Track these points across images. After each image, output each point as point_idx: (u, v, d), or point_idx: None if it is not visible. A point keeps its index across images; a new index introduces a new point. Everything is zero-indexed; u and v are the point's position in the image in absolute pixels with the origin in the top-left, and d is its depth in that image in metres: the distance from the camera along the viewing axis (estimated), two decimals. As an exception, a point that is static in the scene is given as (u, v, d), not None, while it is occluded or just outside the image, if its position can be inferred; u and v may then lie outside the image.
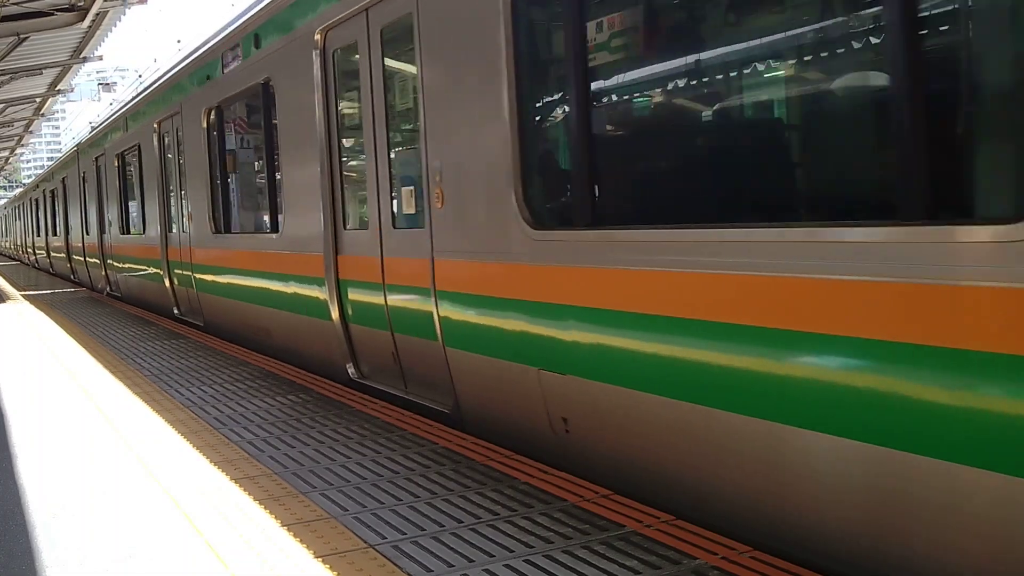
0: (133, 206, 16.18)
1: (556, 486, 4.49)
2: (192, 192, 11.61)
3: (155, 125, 13.52)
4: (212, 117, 10.79)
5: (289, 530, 4.06)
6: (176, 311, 13.30)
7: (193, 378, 8.16)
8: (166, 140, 13.23)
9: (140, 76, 35.54)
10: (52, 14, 16.04)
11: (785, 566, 3.41)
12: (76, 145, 22.77)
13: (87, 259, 21.47)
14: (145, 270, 15.01)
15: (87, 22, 16.50)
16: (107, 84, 57.89)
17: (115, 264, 17.76)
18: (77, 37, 18.66)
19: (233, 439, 5.81)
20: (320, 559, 3.71)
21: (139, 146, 14.80)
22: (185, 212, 12.10)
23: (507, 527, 3.97)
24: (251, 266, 9.47)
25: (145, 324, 12.98)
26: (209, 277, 11.15)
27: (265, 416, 6.45)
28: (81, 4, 15.89)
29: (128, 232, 16.45)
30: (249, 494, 4.61)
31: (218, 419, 6.42)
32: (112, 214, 17.65)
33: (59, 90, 25.38)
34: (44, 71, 21.45)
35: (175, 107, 12.37)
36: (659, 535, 3.77)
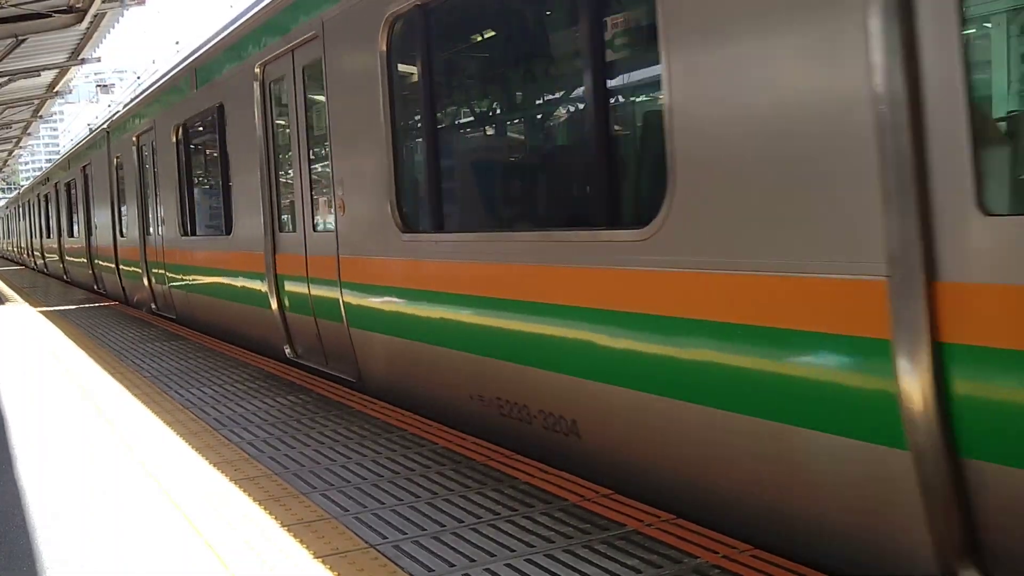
0: (204, 197, 11.95)
1: (557, 486, 4.48)
2: (350, 168, 7.06)
3: (256, 70, 8.88)
4: (400, 28, 6.32)
5: (289, 530, 4.06)
6: (289, 350, 8.82)
7: (192, 379, 8.16)
8: (279, 91, 8.66)
9: (139, 77, 35.52)
10: (50, 15, 16.04)
11: (787, 564, 3.41)
12: (105, 122, 18.07)
13: (121, 267, 16.74)
14: (228, 286, 10.37)
15: (85, 24, 16.49)
16: (105, 86, 57.90)
17: (169, 275, 13.15)
18: (75, 39, 18.66)
19: (233, 440, 5.81)
20: (321, 559, 3.70)
21: (220, 109, 10.15)
22: (325, 203, 7.85)
23: (508, 527, 3.97)
24: (528, 294, 5.01)
25: (145, 326, 12.97)
26: (387, 304, 6.61)
27: (265, 417, 6.44)
28: (79, 6, 15.88)
29: (193, 233, 12.03)
30: (249, 495, 4.61)
31: (218, 420, 6.41)
32: (165, 209, 13.00)
33: (57, 92, 25.38)
34: (42, 73, 21.44)
35: (301, 33, 7.76)
36: (660, 534, 3.77)
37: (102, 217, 18.42)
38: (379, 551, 3.77)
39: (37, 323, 13.62)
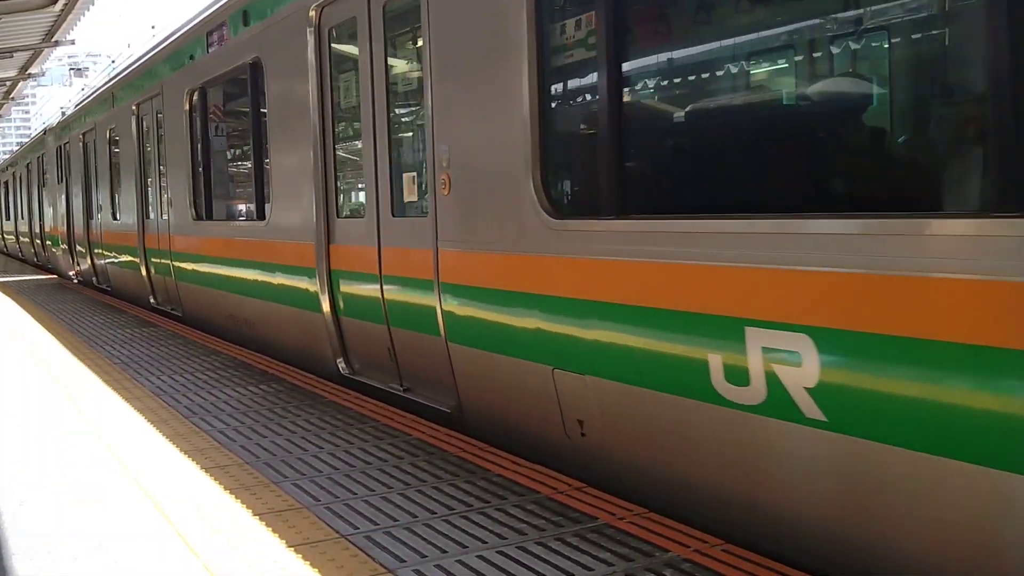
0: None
1: (529, 478, 4.49)
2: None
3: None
4: None
5: (261, 519, 4.03)
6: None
7: (164, 366, 8.09)
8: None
9: (113, 61, 35.14)
10: (24, -4, 15.81)
11: (755, 559, 3.44)
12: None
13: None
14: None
15: (59, 5, 16.25)
16: (79, 69, 57.18)
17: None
18: (49, 20, 18.39)
19: (204, 428, 5.76)
20: (292, 549, 3.69)
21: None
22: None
23: (480, 518, 3.97)
24: None
25: (115, 312, 12.83)
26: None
27: (236, 405, 6.40)
28: (53, -13, 15.68)
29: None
30: (220, 483, 4.58)
31: (188, 408, 6.36)
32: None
33: (30, 74, 25.04)
34: (15, 54, 21.14)
35: None
36: (632, 528, 3.79)
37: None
38: (350, 541, 3.76)
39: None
